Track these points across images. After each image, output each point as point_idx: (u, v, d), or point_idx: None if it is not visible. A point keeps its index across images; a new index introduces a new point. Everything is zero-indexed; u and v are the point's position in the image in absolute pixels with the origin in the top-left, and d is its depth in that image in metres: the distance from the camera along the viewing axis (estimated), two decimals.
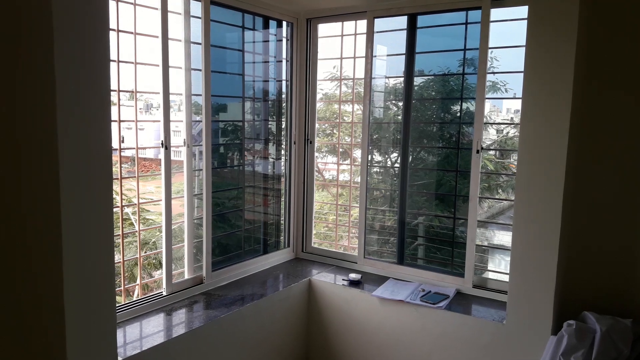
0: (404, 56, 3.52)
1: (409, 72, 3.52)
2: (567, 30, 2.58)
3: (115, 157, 2.65)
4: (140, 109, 2.83)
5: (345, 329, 3.49)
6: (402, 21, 3.48)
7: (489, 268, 3.73)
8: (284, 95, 3.98)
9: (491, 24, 3.12)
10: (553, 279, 2.71)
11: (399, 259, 3.71)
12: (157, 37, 2.81)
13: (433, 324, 3.14)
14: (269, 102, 3.91)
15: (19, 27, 1.99)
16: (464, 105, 3.39)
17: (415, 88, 3.61)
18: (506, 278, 3.06)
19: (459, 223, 3.48)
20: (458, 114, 3.45)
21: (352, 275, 3.58)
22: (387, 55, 3.71)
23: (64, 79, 1.90)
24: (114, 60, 2.56)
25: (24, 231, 2.13)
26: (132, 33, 2.69)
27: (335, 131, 5.26)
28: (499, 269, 3.64)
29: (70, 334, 2.04)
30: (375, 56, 3.63)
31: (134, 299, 2.99)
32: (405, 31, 3.48)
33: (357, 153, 4.36)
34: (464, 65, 3.33)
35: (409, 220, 3.70)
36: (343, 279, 3.59)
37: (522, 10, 2.90)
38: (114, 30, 2.56)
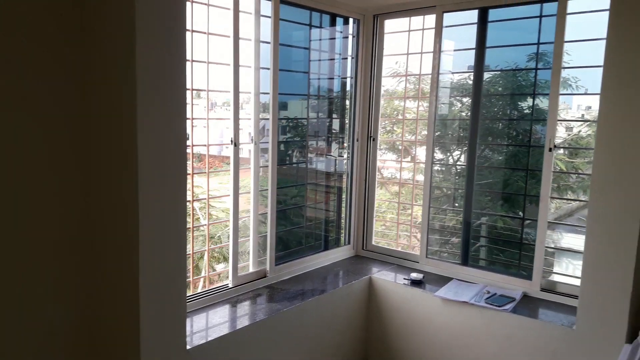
0: (471, 51, 3.43)
1: (479, 67, 3.43)
2: None
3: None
4: (204, 107, 2.92)
5: (406, 328, 3.46)
6: (472, 15, 3.39)
7: (555, 271, 3.59)
8: (348, 92, 3.98)
9: (567, 17, 2.98)
10: (629, 284, 2.57)
11: (462, 259, 3.63)
12: (228, 37, 2.89)
13: (498, 327, 3.06)
14: (333, 100, 3.93)
15: (103, 28, 2.11)
16: (537, 101, 3.26)
17: (484, 82, 3.52)
18: (574, 281, 2.93)
19: (526, 224, 3.36)
20: (526, 111, 3.34)
21: (414, 275, 3.55)
22: (454, 50, 3.64)
23: (144, 78, 2.00)
24: (188, 60, 2.65)
25: (104, 224, 2.26)
26: (205, 33, 2.78)
27: (395, 128, 5.20)
28: (566, 272, 3.50)
29: (144, 321, 2.15)
30: (443, 51, 3.56)
31: (199, 290, 3.10)
32: (475, 25, 3.40)
33: (418, 150, 4.30)
34: (537, 59, 3.21)
35: (475, 220, 3.61)
36: (404, 278, 3.56)
37: (602, 1, 2.74)
38: (188, 30, 2.65)
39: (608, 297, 2.64)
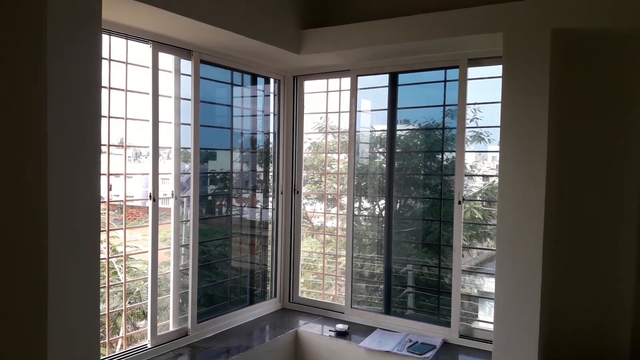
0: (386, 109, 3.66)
1: (392, 125, 3.66)
2: (539, 86, 2.72)
3: (103, 205, 2.71)
4: (129, 157, 2.90)
5: None
6: (384, 79, 3.65)
7: (479, 316, 3.73)
8: (271, 147, 4.09)
9: (471, 81, 3.28)
10: (537, 329, 2.74)
11: (385, 308, 3.71)
12: (147, 94, 2.92)
13: None
14: (257, 153, 4.00)
15: (14, 83, 2.09)
16: (449, 155, 3.49)
17: (401, 137, 3.74)
18: (492, 327, 3.06)
19: (445, 272, 3.51)
20: (442, 164, 3.55)
21: (339, 326, 3.57)
22: (372, 110, 3.86)
23: (56, 132, 1.99)
24: (104, 116, 2.65)
25: (9, 285, 2.14)
26: (123, 90, 2.80)
27: (323, 179, 5.35)
28: (489, 316, 3.65)
29: None
30: (360, 111, 3.78)
31: (117, 351, 2.96)
32: (387, 88, 3.65)
33: (345, 200, 4.43)
34: (444, 118, 3.46)
35: (397, 267, 3.73)
36: (330, 330, 3.57)
37: (498, 69, 3.05)
38: (105, 87, 2.66)
39: (519, 342, 2.79)
